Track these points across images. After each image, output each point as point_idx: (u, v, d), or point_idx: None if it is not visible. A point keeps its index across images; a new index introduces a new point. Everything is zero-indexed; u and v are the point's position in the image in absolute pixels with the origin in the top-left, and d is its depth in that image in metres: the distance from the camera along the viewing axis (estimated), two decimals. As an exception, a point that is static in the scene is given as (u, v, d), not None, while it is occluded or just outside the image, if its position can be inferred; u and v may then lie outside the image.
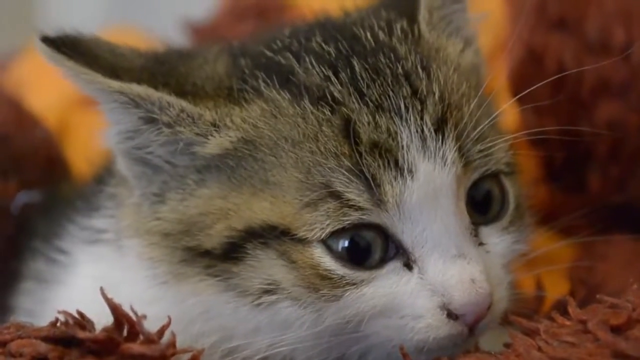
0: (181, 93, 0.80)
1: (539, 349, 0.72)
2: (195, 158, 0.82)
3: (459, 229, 0.79)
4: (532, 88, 1.03)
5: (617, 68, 1.15)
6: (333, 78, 0.80)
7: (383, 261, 0.79)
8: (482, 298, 0.78)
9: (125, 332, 0.73)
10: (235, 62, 0.85)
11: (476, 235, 0.81)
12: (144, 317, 0.74)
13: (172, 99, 0.80)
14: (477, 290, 0.77)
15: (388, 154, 0.77)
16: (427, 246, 0.78)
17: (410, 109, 0.78)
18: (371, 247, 0.78)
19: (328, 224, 0.77)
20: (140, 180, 0.84)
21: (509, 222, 0.85)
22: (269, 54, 0.84)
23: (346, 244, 0.78)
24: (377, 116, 0.78)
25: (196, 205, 0.81)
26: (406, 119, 0.78)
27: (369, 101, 0.79)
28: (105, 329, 0.72)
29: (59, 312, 0.75)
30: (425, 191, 0.77)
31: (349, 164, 0.77)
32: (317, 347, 0.81)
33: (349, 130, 0.77)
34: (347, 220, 0.77)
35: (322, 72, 0.81)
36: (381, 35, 0.85)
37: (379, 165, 0.77)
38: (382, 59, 0.82)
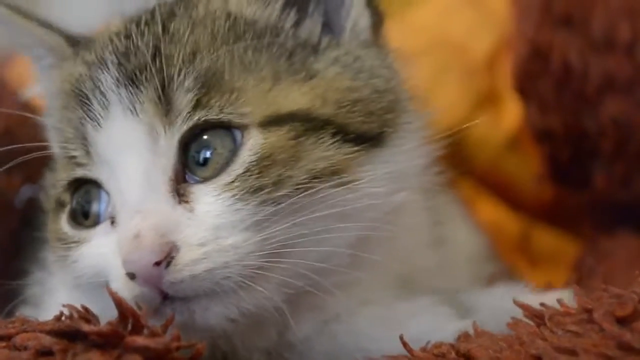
0: None
1: (543, 337, 0.71)
2: None
3: (146, 183, 0.75)
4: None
5: (622, 65, 1.15)
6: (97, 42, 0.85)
7: (98, 219, 0.79)
8: (142, 254, 0.72)
9: (129, 326, 0.73)
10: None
11: (180, 192, 0.76)
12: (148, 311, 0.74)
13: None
14: (138, 246, 0.72)
15: (88, 104, 0.78)
16: (119, 201, 0.76)
17: (111, 61, 0.79)
18: (90, 205, 0.79)
19: (60, 181, 0.81)
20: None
21: (232, 180, 0.76)
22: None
23: (75, 201, 0.79)
24: (88, 68, 0.81)
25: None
26: (104, 69, 0.79)
27: (94, 57, 0.82)
28: (109, 323, 0.72)
29: (64, 305, 0.75)
30: (112, 142, 0.76)
31: (75, 116, 0.79)
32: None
33: (75, 82, 0.82)
34: (73, 175, 0.80)
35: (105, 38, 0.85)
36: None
37: (85, 116, 0.78)
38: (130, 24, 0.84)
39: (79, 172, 0.77)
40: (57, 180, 0.81)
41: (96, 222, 0.77)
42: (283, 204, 0.75)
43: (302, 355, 0.81)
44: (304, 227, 0.75)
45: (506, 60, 1.25)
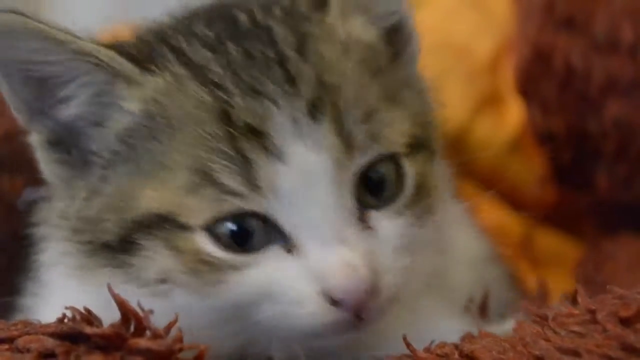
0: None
1: (546, 338, 0.72)
2: (110, 142, 0.81)
3: (339, 214, 0.77)
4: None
5: (625, 67, 1.15)
6: (212, 62, 0.80)
7: (264, 245, 0.77)
8: (359, 283, 0.75)
9: (132, 328, 0.73)
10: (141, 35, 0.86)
11: (363, 219, 0.78)
12: (151, 312, 0.74)
13: (119, 58, 0.79)
14: (354, 276, 0.75)
15: (261, 139, 0.76)
16: (305, 231, 0.76)
17: (285, 93, 0.77)
18: (252, 231, 0.77)
19: (208, 211, 0.76)
20: (62, 183, 0.84)
21: (404, 205, 0.80)
22: (171, 34, 0.84)
23: (228, 228, 0.77)
24: (251, 100, 0.77)
25: (97, 203, 0.81)
26: (279, 103, 0.77)
27: (243, 85, 0.78)
28: (112, 325, 0.72)
29: (66, 307, 0.75)
30: (299, 176, 0.76)
31: (225, 149, 0.76)
32: (219, 335, 0.79)
33: (224, 115, 0.76)
34: (226, 208, 0.76)
35: (205, 56, 0.80)
36: (259, 16, 0.84)
37: (253, 150, 0.75)
38: (257, 42, 0.81)
39: (236, 203, 0.76)
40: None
41: (261, 249, 0.77)
42: (428, 227, 0.82)
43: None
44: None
45: (508, 62, 1.25)
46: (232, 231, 0.76)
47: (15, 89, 0.80)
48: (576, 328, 0.72)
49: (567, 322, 0.73)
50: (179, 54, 0.81)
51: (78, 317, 0.74)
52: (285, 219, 0.76)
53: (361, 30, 0.85)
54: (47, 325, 0.73)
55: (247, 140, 0.75)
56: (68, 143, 0.82)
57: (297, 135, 0.76)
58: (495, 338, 0.76)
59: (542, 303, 0.96)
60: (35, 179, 1.05)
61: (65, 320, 0.74)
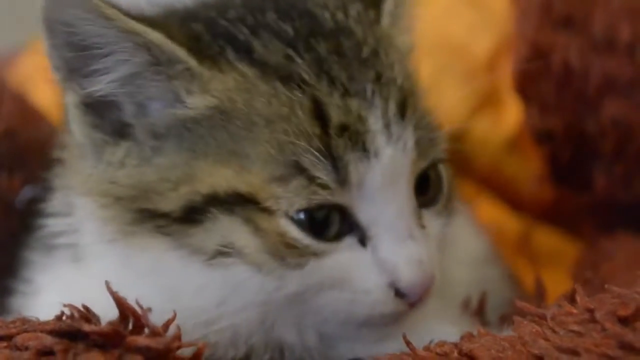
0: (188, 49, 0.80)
1: (545, 337, 0.72)
2: (160, 121, 0.81)
3: (410, 211, 0.81)
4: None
5: (623, 66, 1.15)
6: (296, 58, 0.81)
7: (340, 235, 0.80)
8: (427, 279, 0.80)
9: (130, 325, 0.73)
10: (190, 27, 0.84)
11: (420, 218, 0.83)
12: (149, 310, 0.74)
13: (182, 52, 0.80)
14: (423, 271, 0.80)
15: (356, 137, 0.79)
16: (381, 226, 0.80)
17: (377, 94, 0.80)
18: (329, 221, 0.80)
19: (296, 201, 0.78)
20: (98, 147, 0.84)
21: (442, 206, 0.86)
22: (223, 23, 0.84)
23: (311, 216, 0.79)
24: (346, 99, 0.79)
25: (153, 172, 0.81)
26: (373, 103, 0.80)
27: (336, 84, 0.80)
28: (110, 323, 0.72)
29: (65, 305, 0.75)
30: (386, 174, 0.79)
31: (319, 145, 0.78)
32: (265, 316, 0.82)
33: (319, 113, 0.79)
34: (315, 199, 0.78)
35: (283, 51, 0.81)
36: (339, 15, 0.85)
37: (346, 147, 0.78)
38: (345, 41, 0.83)
39: (325, 196, 0.79)
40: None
41: (337, 238, 0.80)
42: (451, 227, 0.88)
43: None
44: None
45: (506, 61, 1.25)
46: (312, 220, 0.79)
47: (57, 48, 0.80)
48: (575, 327, 0.72)
49: (566, 321, 0.73)
50: (250, 50, 0.82)
51: (77, 314, 0.75)
52: (363, 212, 0.80)
53: (404, 39, 0.90)
54: (46, 323, 0.74)
55: (340, 137, 0.78)
56: (101, 108, 0.83)
57: (387, 134, 0.80)
58: (494, 337, 0.76)
59: (540, 302, 0.96)
60: (33, 178, 1.05)
61: (64, 318, 0.75)
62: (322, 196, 0.78)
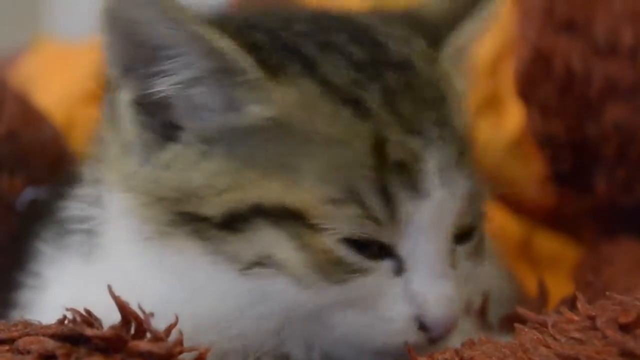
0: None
1: (546, 344, 0.72)
2: (212, 127, 0.80)
3: (447, 251, 0.81)
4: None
5: (625, 70, 1.15)
6: (364, 84, 0.80)
7: (377, 259, 0.80)
8: (454, 317, 0.80)
9: (132, 330, 0.74)
10: (255, 36, 0.82)
11: (454, 257, 0.82)
12: (152, 315, 0.74)
13: (249, 61, 0.78)
14: (452, 310, 0.80)
15: (411, 176, 0.78)
16: (419, 261, 0.80)
17: (437, 135, 0.79)
18: (370, 244, 0.79)
19: (347, 227, 0.77)
20: (146, 146, 0.83)
21: (473, 248, 0.85)
22: (288, 35, 0.83)
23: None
24: (407, 136, 0.78)
25: (199, 177, 0.80)
26: (432, 144, 0.79)
27: (400, 119, 0.79)
28: (112, 327, 0.72)
29: (67, 309, 0.75)
30: (434, 216, 0.79)
31: (375, 177, 0.77)
32: (281, 329, 0.81)
33: (379, 146, 0.78)
34: (365, 232, 0.78)
35: (351, 74, 0.80)
36: (405, 49, 0.84)
37: (400, 185, 0.77)
38: (411, 76, 0.81)
39: (373, 227, 0.78)
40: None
41: (377, 260, 0.80)
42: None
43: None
44: None
45: (508, 65, 1.25)
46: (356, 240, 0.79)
47: (117, 45, 0.79)
48: (576, 334, 0.72)
49: (567, 329, 0.73)
50: (316, 67, 0.80)
51: (79, 318, 0.75)
52: (404, 247, 0.79)
53: (461, 83, 0.87)
54: (48, 327, 0.74)
55: (396, 174, 0.77)
56: (153, 109, 0.82)
57: (442, 178, 0.79)
58: (495, 344, 0.76)
59: (543, 305, 0.96)
60: (35, 179, 1.05)
61: (66, 322, 0.75)
62: (372, 229, 0.78)
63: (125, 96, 0.82)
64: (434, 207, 0.78)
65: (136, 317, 0.74)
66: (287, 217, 0.78)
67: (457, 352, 0.76)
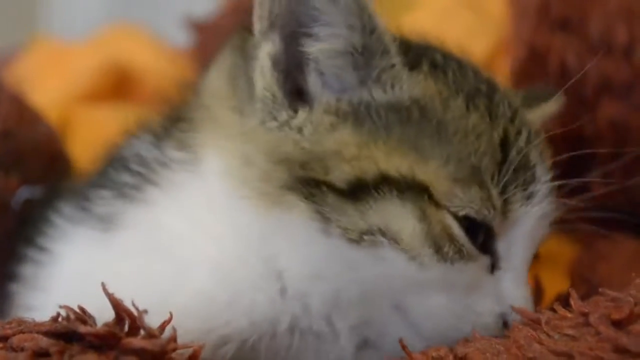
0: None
1: (540, 341, 0.73)
2: (346, 100, 0.84)
3: (529, 262, 0.88)
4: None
5: (619, 68, 1.15)
6: (490, 92, 0.89)
7: (482, 250, 0.84)
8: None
9: (126, 327, 0.74)
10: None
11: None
12: (145, 312, 0.74)
13: (395, 47, 0.85)
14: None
15: (526, 180, 0.85)
16: (510, 263, 0.85)
17: (542, 154, 0.90)
18: (478, 234, 0.84)
19: (469, 207, 0.82)
20: (274, 104, 0.85)
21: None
22: (417, 44, 0.91)
23: (468, 221, 0.84)
24: (528, 145, 0.87)
25: (329, 144, 0.83)
26: (541, 159, 0.89)
27: (522, 130, 0.88)
28: (106, 324, 0.73)
29: (61, 306, 0.76)
30: (535, 223, 0.86)
31: (498, 170, 0.84)
32: (361, 297, 0.84)
33: (505, 145, 0.85)
34: (483, 216, 0.83)
35: (477, 83, 0.89)
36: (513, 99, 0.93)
37: (517, 186, 0.84)
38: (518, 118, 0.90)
39: (491, 214, 0.84)
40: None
41: (481, 251, 0.85)
42: None
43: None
44: None
45: (504, 63, 1.26)
46: (468, 225, 0.83)
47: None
48: (569, 331, 0.73)
49: (560, 325, 0.74)
50: (445, 71, 0.88)
51: (72, 316, 0.75)
52: (504, 247, 0.85)
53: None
54: (41, 324, 0.74)
55: (514, 176, 0.84)
56: (290, 70, 0.85)
57: (546, 190, 0.87)
58: (489, 340, 0.76)
59: (538, 301, 0.97)
60: (30, 178, 1.05)
61: (60, 319, 0.75)
62: (490, 215, 0.83)
63: (267, 48, 0.84)
64: (537, 217, 0.86)
65: (130, 314, 0.74)
66: (413, 189, 0.81)
67: (451, 349, 0.77)
